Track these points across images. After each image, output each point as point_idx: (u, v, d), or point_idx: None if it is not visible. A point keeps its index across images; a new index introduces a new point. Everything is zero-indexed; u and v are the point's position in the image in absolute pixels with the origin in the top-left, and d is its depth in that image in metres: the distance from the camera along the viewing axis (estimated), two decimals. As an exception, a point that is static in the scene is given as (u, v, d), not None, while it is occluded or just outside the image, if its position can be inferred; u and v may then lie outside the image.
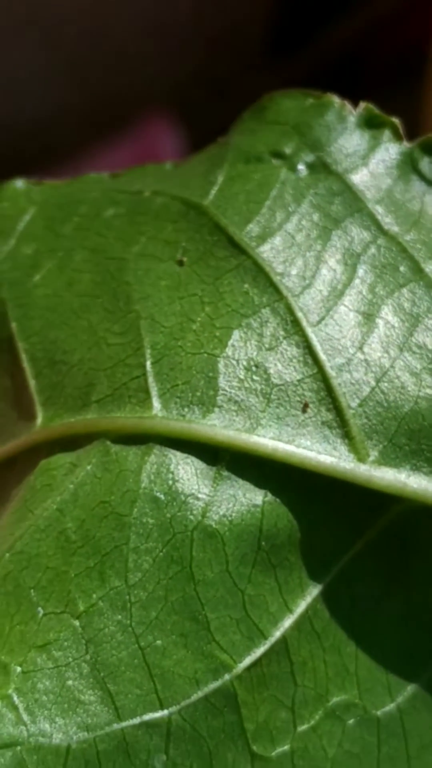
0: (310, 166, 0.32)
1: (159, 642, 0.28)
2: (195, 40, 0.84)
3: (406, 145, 0.32)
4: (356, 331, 0.29)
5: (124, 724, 0.28)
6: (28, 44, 0.81)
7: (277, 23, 0.87)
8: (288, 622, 0.28)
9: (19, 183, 0.35)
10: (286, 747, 0.28)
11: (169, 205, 0.32)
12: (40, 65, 0.82)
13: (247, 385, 0.29)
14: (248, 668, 0.28)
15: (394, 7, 0.84)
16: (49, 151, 0.80)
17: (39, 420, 0.31)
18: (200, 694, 0.28)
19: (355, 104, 0.33)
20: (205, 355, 0.29)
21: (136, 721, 0.28)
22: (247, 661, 0.28)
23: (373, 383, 0.29)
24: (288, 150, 0.32)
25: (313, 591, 0.29)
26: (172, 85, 0.84)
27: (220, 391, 0.29)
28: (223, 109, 0.86)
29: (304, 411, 0.29)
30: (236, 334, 0.29)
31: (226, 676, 0.28)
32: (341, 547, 0.29)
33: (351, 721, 0.29)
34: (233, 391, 0.29)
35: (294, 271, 0.30)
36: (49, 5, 0.79)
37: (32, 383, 0.31)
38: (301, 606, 0.28)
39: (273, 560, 0.28)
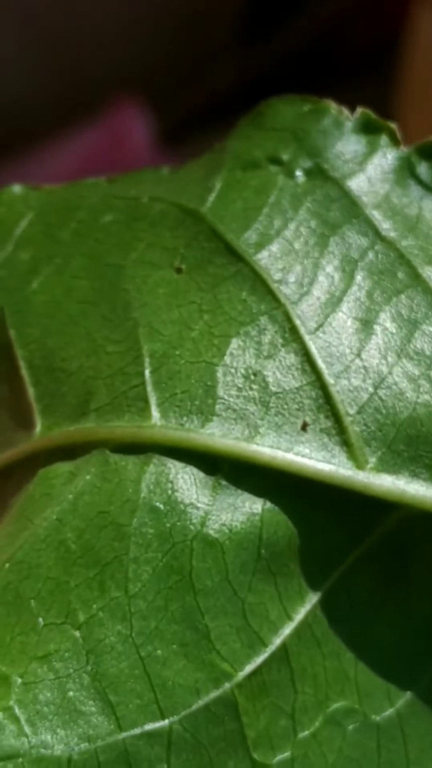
0: (308, 173, 0.32)
1: (159, 652, 0.28)
2: (166, 25, 0.84)
3: (403, 149, 0.32)
4: (354, 337, 0.29)
5: (125, 734, 0.28)
6: (0, 28, 0.80)
7: (247, 10, 0.87)
8: (288, 629, 0.28)
9: (16, 188, 0.35)
10: (287, 754, 0.28)
11: (167, 212, 0.32)
12: (11, 49, 0.82)
13: (245, 393, 0.29)
14: (249, 676, 0.28)
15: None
16: (19, 134, 0.80)
17: (38, 428, 0.31)
18: (201, 703, 0.28)
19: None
20: (204, 363, 0.29)
21: (137, 731, 0.28)
22: (248, 669, 0.28)
23: (371, 390, 0.29)
24: (285, 156, 0.32)
25: (313, 598, 0.29)
26: (143, 71, 0.83)
27: (219, 400, 0.29)
28: (193, 95, 0.86)
29: (303, 429, 0.29)
30: (234, 343, 0.29)
31: (227, 685, 0.28)
32: (340, 553, 0.29)
33: (351, 727, 0.29)
34: (232, 399, 0.29)
35: (292, 279, 0.30)
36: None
37: (31, 391, 0.31)
38: (301, 613, 0.29)
39: (273, 568, 0.28)
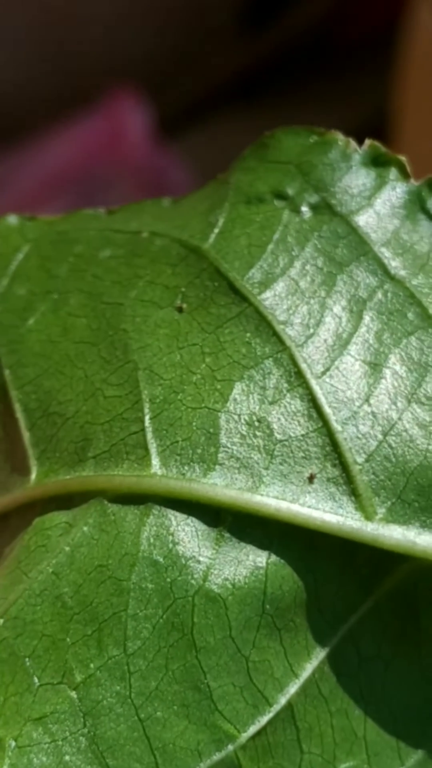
0: (314, 208, 0.31)
1: (160, 713, 0.27)
2: (165, 14, 0.84)
3: (413, 183, 0.31)
4: (362, 382, 0.28)
5: None
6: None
7: (246, 0, 0.86)
8: (294, 687, 0.27)
9: (12, 218, 0.34)
10: None
11: (168, 248, 0.31)
12: (7, 38, 0.81)
13: (249, 441, 0.28)
14: (252, 737, 0.27)
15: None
16: (17, 124, 0.80)
17: (33, 475, 0.29)
18: (203, 766, 0.27)
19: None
20: (206, 409, 0.28)
21: None
22: (252, 730, 0.27)
23: (380, 437, 0.28)
24: (291, 191, 0.31)
25: (320, 654, 0.28)
26: (141, 60, 0.83)
27: (222, 448, 0.28)
28: (191, 85, 0.86)
29: (310, 481, 0.28)
30: (238, 387, 0.28)
31: (230, 747, 0.27)
32: (348, 607, 0.28)
33: None
34: (235, 447, 0.28)
35: (297, 320, 0.29)
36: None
37: (26, 435, 0.30)
38: (308, 670, 0.27)
39: (278, 623, 0.27)
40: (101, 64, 0.82)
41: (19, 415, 0.30)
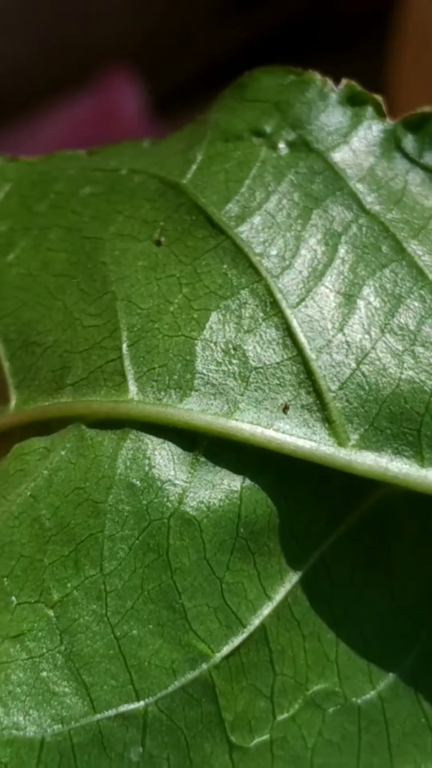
0: (291, 145, 0.31)
1: (135, 632, 0.27)
2: None
3: (389, 122, 0.31)
4: (337, 312, 0.29)
5: (99, 716, 0.27)
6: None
7: None
8: (267, 609, 0.28)
9: None
10: (265, 737, 0.28)
11: (147, 184, 0.31)
12: (1, 20, 0.81)
13: (224, 368, 0.28)
14: (226, 657, 0.28)
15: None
16: (9, 104, 0.80)
17: (13, 403, 0.30)
18: (177, 684, 0.27)
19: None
20: (183, 337, 0.29)
21: (112, 713, 0.27)
22: (225, 650, 0.28)
23: (354, 365, 0.28)
24: (268, 128, 0.31)
25: (293, 578, 0.28)
26: (134, 39, 0.83)
27: (198, 375, 0.28)
28: (185, 64, 0.86)
29: (284, 411, 0.28)
30: (214, 316, 0.29)
31: (204, 666, 0.27)
32: (321, 532, 0.28)
33: (331, 710, 0.28)
34: (211, 374, 0.28)
35: (274, 252, 0.29)
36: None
37: (6, 365, 0.30)
38: (281, 593, 0.28)
39: (252, 547, 0.28)
40: (95, 43, 0.82)
41: None
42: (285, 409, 0.28)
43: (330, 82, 0.32)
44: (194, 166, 0.31)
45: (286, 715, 0.28)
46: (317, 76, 0.32)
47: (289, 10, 0.85)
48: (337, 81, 0.32)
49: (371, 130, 0.31)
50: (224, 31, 0.86)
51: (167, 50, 0.85)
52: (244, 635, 0.28)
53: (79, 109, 0.79)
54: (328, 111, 0.31)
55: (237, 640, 0.28)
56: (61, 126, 0.78)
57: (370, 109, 0.31)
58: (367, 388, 0.28)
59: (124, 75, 0.78)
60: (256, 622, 0.28)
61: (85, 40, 0.83)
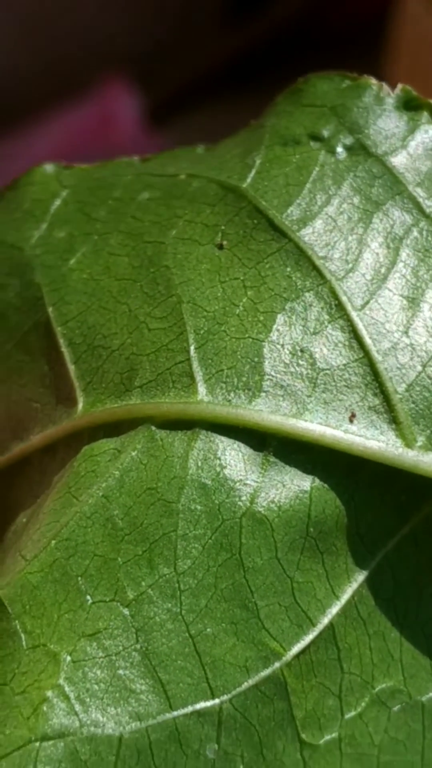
0: (349, 149, 0.31)
1: (209, 630, 0.28)
2: (154, 2, 0.84)
3: None
4: (401, 315, 0.29)
5: (175, 713, 0.27)
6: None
7: None
8: (335, 608, 0.28)
9: (49, 167, 0.35)
10: (334, 734, 0.28)
11: (206, 188, 0.32)
12: None
13: (292, 369, 0.29)
14: (297, 656, 0.28)
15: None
16: (4, 113, 0.80)
17: (80, 405, 0.30)
18: (251, 682, 0.28)
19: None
20: (250, 339, 0.29)
21: (188, 710, 0.27)
22: (296, 648, 0.28)
23: (419, 368, 0.29)
24: (326, 132, 0.32)
25: (359, 577, 0.28)
26: (130, 48, 0.83)
27: (266, 376, 0.29)
28: (181, 73, 0.86)
29: (351, 422, 0.28)
30: (280, 319, 0.29)
31: (276, 664, 0.28)
32: (387, 532, 0.29)
33: (396, 708, 0.28)
34: (279, 375, 0.29)
35: (336, 255, 0.30)
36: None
37: (72, 368, 0.31)
38: (348, 592, 0.28)
39: (321, 546, 0.28)
40: (91, 52, 0.82)
41: (64, 349, 0.31)
42: (352, 417, 0.29)
43: (386, 87, 0.32)
44: (254, 171, 0.32)
45: (353, 713, 0.28)
46: (373, 81, 0.32)
47: (283, 19, 0.86)
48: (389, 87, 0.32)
49: (428, 135, 0.31)
50: (218, 40, 0.86)
51: (163, 60, 0.85)
52: (314, 634, 0.28)
53: (75, 118, 0.79)
54: (385, 115, 0.32)
55: (307, 639, 0.28)
56: (57, 135, 0.78)
57: (425, 114, 0.32)
58: None
59: (121, 84, 0.78)
60: (325, 621, 0.28)
61: (81, 50, 0.83)
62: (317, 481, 0.28)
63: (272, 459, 0.28)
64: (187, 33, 0.85)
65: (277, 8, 0.86)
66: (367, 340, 0.29)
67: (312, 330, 0.29)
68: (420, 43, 0.64)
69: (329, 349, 0.29)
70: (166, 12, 0.84)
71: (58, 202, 0.34)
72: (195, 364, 0.29)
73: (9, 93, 0.82)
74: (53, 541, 0.28)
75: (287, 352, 0.29)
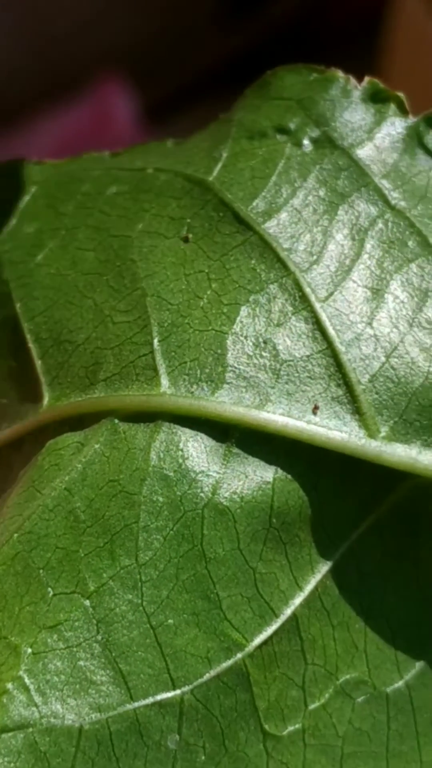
0: (315, 141, 0.31)
1: (171, 621, 0.28)
2: (150, 2, 0.84)
3: (411, 119, 0.32)
4: (365, 306, 0.29)
5: (136, 704, 0.27)
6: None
7: None
8: (298, 599, 0.28)
9: (19, 162, 0.35)
10: (298, 725, 0.28)
11: (173, 182, 0.32)
12: None
13: (255, 361, 0.29)
14: (259, 647, 0.28)
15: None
16: (1, 110, 0.80)
17: (45, 400, 0.30)
18: (212, 673, 0.28)
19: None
20: (213, 331, 0.29)
21: (149, 701, 0.27)
22: (259, 639, 0.28)
23: (383, 359, 0.29)
24: (292, 125, 0.32)
25: (323, 568, 0.28)
26: (127, 48, 0.83)
27: (229, 368, 0.29)
28: (177, 72, 0.86)
29: (314, 413, 0.28)
30: (244, 310, 0.29)
31: (238, 655, 0.28)
32: (351, 523, 0.29)
33: (360, 699, 0.28)
34: (242, 367, 0.29)
35: (301, 247, 0.30)
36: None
37: (38, 363, 0.31)
38: (311, 583, 0.28)
39: (284, 537, 0.28)
40: (88, 51, 0.82)
41: (31, 345, 0.31)
42: (315, 408, 0.29)
43: (353, 80, 0.32)
44: (220, 164, 0.32)
45: (317, 703, 0.28)
46: (340, 74, 0.32)
47: (281, 18, 0.86)
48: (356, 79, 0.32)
49: (394, 127, 0.31)
50: (216, 39, 0.86)
51: (160, 58, 0.85)
52: (277, 625, 0.28)
53: (72, 116, 0.79)
54: (352, 108, 0.32)
55: (270, 630, 0.28)
56: (54, 133, 0.78)
57: (392, 106, 0.32)
58: (396, 380, 0.29)
59: (117, 83, 0.78)
60: (287, 611, 0.28)
61: (78, 49, 0.83)
62: (280, 471, 0.28)
63: (235, 450, 0.28)
64: (185, 33, 0.85)
65: (276, 8, 0.86)
66: (331, 332, 0.29)
67: (276, 322, 0.29)
68: (418, 43, 0.64)
69: (293, 340, 0.29)
70: (164, 11, 0.84)
71: (27, 198, 0.34)
72: (158, 357, 0.29)
73: (6, 92, 0.82)
74: (15, 534, 0.28)
75: (250, 343, 0.29)
